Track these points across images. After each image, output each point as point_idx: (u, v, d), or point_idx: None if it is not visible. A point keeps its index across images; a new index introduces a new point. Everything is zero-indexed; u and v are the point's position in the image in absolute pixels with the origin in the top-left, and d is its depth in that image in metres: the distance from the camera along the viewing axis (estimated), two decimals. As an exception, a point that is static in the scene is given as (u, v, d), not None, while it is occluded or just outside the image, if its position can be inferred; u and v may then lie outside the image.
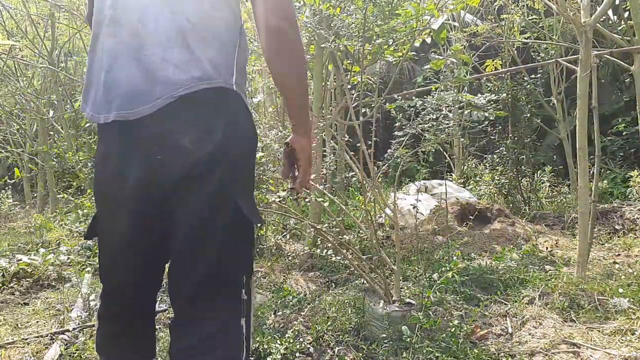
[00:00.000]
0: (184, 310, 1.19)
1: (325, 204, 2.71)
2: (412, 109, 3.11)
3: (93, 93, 1.18)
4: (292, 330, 2.23)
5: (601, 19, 3.34)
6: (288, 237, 4.33)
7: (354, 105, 2.90)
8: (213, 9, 1.14)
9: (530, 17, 6.50)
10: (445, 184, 4.63)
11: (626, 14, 6.21)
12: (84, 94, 1.21)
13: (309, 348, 2.16)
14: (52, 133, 7.38)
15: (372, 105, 2.90)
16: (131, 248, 1.23)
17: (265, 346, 2.10)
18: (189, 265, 1.17)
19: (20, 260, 3.43)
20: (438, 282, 2.46)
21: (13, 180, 7.50)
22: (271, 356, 2.04)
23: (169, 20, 1.12)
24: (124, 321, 1.29)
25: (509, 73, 5.87)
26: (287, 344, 2.11)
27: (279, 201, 2.93)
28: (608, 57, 4.25)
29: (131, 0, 1.15)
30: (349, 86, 3.37)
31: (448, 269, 2.39)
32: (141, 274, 1.26)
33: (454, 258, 2.68)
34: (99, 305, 1.31)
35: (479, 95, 3.46)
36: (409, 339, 2.09)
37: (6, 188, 7.47)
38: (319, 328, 2.29)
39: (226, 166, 1.14)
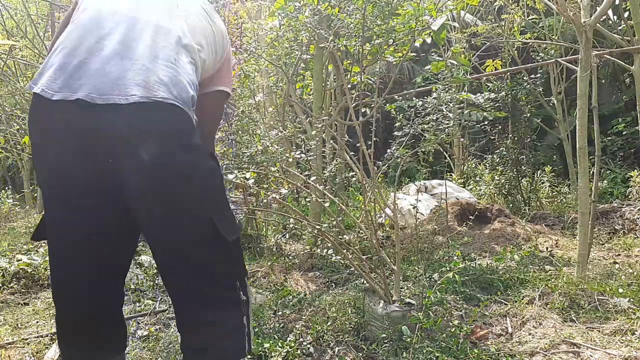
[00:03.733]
0: (188, 316, 1.26)
1: (326, 204, 2.72)
2: (412, 109, 3.11)
3: (52, 74, 1.15)
4: (293, 334, 2.22)
5: (601, 19, 3.34)
6: (288, 237, 4.33)
7: (353, 105, 2.90)
8: (189, 63, 1.27)
9: (530, 17, 6.50)
10: (445, 184, 4.63)
11: (626, 14, 6.21)
12: (38, 75, 1.18)
13: (309, 348, 2.16)
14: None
15: (372, 105, 2.90)
16: (81, 249, 1.20)
17: (267, 348, 2.10)
18: (180, 279, 1.23)
19: (20, 260, 3.43)
20: (438, 282, 2.46)
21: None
22: (272, 359, 2.04)
23: (163, 38, 1.22)
24: (78, 328, 1.28)
25: (509, 73, 5.87)
26: (288, 347, 2.11)
27: (280, 199, 2.92)
28: (608, 57, 4.25)
29: (126, 6, 1.24)
30: (349, 86, 3.37)
31: (448, 269, 2.38)
32: (93, 280, 1.25)
33: (455, 258, 2.68)
34: (55, 311, 1.31)
35: (478, 94, 3.46)
36: (409, 339, 2.09)
37: (6, 188, 7.47)
38: (319, 328, 2.29)
39: (197, 187, 1.20)
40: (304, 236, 3.98)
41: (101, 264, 1.24)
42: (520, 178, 5.39)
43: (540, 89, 5.98)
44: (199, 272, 1.21)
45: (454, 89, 3.24)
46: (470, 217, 4.07)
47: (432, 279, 2.66)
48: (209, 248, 1.21)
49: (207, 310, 1.22)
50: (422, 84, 7.14)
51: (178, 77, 1.18)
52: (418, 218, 4.01)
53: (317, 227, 2.57)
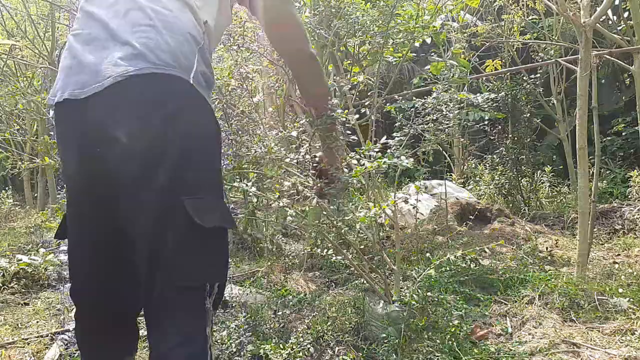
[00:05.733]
0: (150, 320, 1.15)
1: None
2: (412, 109, 3.11)
3: (58, 78, 1.18)
4: (295, 336, 2.22)
5: (601, 19, 3.34)
6: (288, 236, 4.33)
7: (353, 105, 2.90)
8: (178, 10, 1.18)
9: (530, 18, 6.50)
10: (445, 184, 4.63)
11: (626, 14, 6.21)
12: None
13: (309, 348, 2.16)
14: (52, 133, 7.38)
15: (372, 105, 2.90)
16: (90, 242, 1.19)
17: (268, 350, 2.10)
18: (148, 273, 1.11)
19: (20, 260, 3.43)
20: (432, 280, 2.46)
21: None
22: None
23: (139, 13, 1.14)
24: (94, 319, 1.26)
25: (508, 73, 5.87)
26: (289, 349, 2.11)
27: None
28: (608, 57, 4.25)
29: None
30: (349, 86, 3.36)
31: (448, 269, 2.39)
32: (106, 274, 1.20)
33: (456, 258, 2.67)
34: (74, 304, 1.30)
35: (478, 94, 3.46)
36: (408, 339, 2.09)
37: (7, 188, 7.46)
38: (319, 328, 2.29)
39: (170, 164, 1.07)
40: (305, 234, 3.98)
41: (112, 265, 1.20)
42: (520, 178, 5.40)
43: (540, 89, 5.98)
44: (159, 262, 1.08)
45: (453, 89, 3.24)
46: (470, 217, 4.08)
47: (431, 278, 2.65)
48: (177, 233, 1.08)
49: (161, 311, 1.10)
50: (421, 85, 7.15)
51: (159, 38, 1.09)
52: (418, 218, 4.01)
53: (317, 227, 2.57)
